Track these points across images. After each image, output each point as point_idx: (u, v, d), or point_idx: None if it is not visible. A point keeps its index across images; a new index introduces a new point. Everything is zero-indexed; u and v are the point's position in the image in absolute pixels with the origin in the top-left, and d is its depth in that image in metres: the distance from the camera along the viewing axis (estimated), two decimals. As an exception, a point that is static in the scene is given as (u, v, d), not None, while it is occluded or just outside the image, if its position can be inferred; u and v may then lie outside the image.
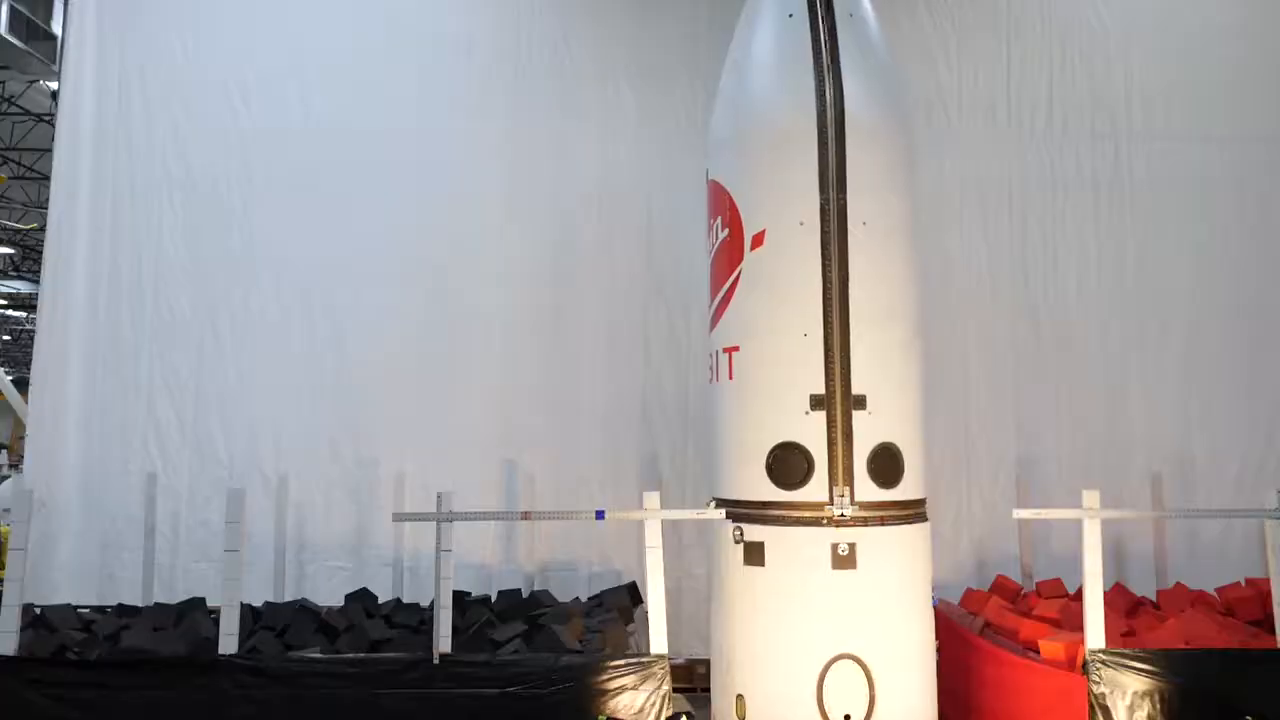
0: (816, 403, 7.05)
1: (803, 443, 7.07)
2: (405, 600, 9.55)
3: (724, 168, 7.75)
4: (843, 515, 6.95)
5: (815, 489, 7.04)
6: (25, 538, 8.08)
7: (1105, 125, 11.34)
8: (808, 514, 7.01)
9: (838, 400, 7.02)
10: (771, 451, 7.14)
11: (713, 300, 7.75)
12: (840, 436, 7.03)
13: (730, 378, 7.43)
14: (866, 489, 7.03)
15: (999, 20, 11.51)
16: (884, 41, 7.83)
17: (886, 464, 7.10)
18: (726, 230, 7.54)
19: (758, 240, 7.30)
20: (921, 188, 8.16)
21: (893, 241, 7.38)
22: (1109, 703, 7.19)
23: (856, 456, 7.02)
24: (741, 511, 7.28)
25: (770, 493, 7.14)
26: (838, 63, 7.27)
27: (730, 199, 7.53)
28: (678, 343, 11.03)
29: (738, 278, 7.41)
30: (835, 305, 7.09)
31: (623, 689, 7.35)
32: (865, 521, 6.98)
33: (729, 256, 7.53)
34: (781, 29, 7.53)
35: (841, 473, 6.98)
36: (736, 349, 7.41)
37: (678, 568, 10.15)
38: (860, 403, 7.05)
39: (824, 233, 7.08)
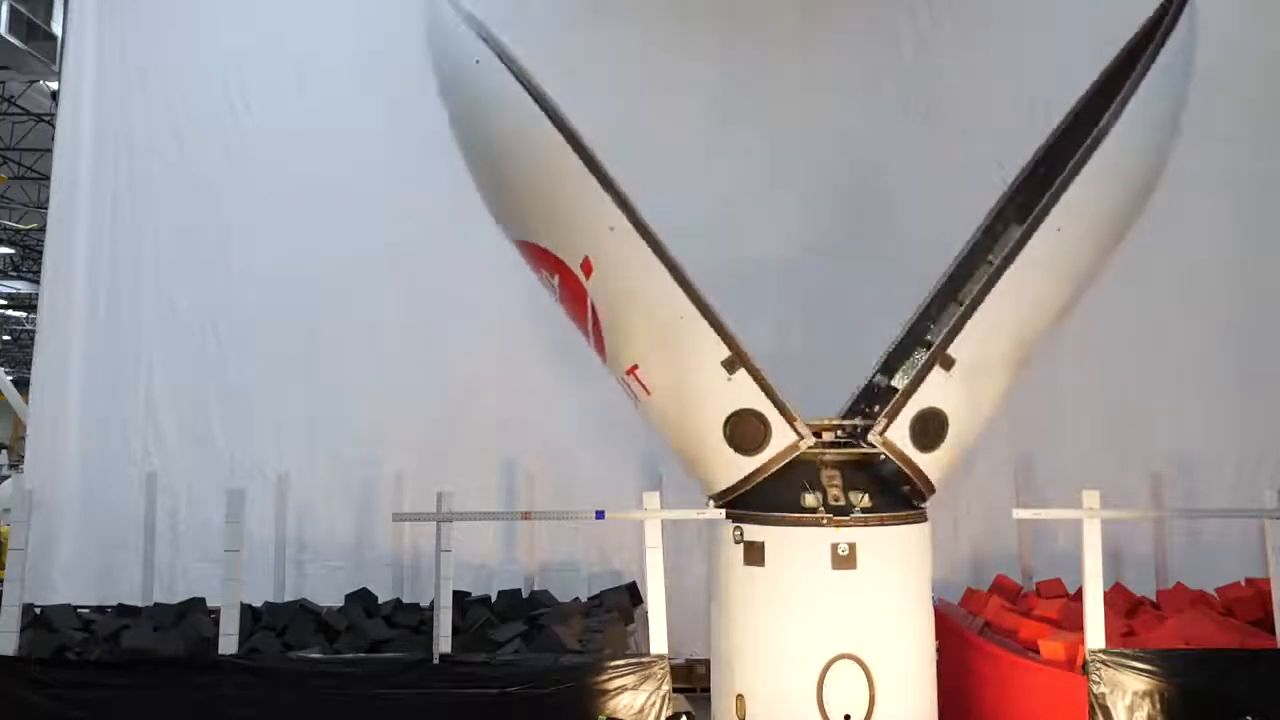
0: (730, 364, 7.05)
1: (747, 406, 7.08)
2: (405, 600, 9.57)
3: (519, 227, 7.66)
4: (821, 446, 7.07)
5: (780, 438, 7.07)
6: (25, 538, 8.09)
7: (1105, 125, 11.32)
8: (791, 459, 7.08)
9: (745, 353, 7.04)
10: (725, 424, 7.12)
11: (589, 340, 7.66)
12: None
13: (648, 393, 7.42)
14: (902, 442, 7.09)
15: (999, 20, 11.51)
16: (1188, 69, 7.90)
17: (932, 426, 7.13)
18: (556, 275, 7.50)
19: (587, 268, 7.26)
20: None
21: (1071, 252, 7.27)
22: (1109, 703, 7.18)
23: (904, 413, 7.06)
24: (740, 511, 7.28)
25: (746, 465, 7.14)
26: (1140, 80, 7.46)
27: (541, 249, 7.48)
28: (677, 342, 11.00)
29: (594, 308, 7.36)
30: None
31: (623, 689, 7.36)
32: (865, 521, 6.99)
33: (575, 296, 7.47)
34: (485, 78, 7.28)
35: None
36: (636, 367, 7.40)
37: (678, 568, 10.13)
38: (948, 362, 7.09)
39: (635, 224, 7.05)
